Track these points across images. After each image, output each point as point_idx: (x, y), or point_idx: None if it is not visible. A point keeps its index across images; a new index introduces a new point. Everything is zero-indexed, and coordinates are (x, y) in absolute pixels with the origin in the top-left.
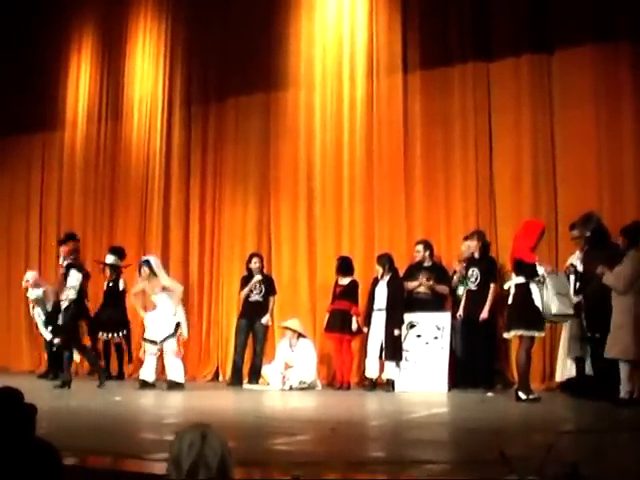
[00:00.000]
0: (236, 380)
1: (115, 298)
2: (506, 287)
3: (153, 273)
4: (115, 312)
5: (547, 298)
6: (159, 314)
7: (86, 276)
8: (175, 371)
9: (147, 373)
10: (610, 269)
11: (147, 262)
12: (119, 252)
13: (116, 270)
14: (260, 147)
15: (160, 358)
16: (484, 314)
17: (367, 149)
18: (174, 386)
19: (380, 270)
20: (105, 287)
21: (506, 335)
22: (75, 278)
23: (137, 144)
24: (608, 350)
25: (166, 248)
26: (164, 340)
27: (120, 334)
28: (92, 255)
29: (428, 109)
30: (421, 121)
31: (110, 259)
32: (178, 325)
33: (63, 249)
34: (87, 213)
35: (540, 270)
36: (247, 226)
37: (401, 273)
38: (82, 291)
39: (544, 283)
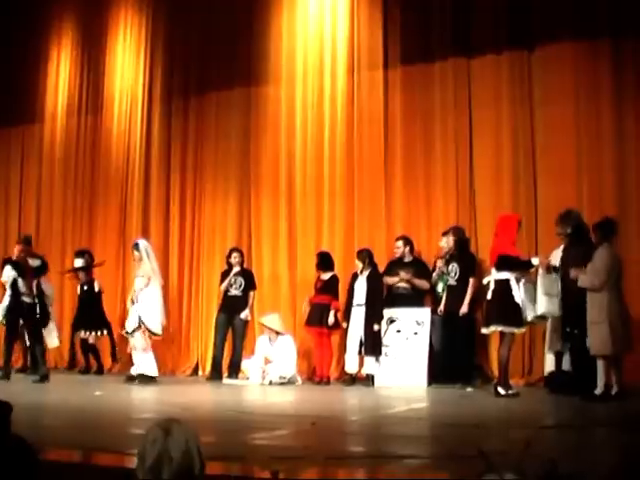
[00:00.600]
0: (215, 375)
1: (92, 300)
2: (485, 282)
3: (141, 257)
4: (94, 313)
5: (530, 298)
6: (136, 304)
7: (38, 271)
8: (144, 365)
9: (132, 367)
10: (584, 270)
11: (136, 245)
12: (85, 253)
13: (87, 271)
14: (241, 142)
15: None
16: (464, 308)
17: (348, 144)
18: (145, 380)
19: (360, 265)
20: (79, 290)
21: (485, 331)
22: (6, 275)
23: (117, 138)
24: (589, 346)
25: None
26: (131, 333)
27: (99, 333)
28: (71, 248)
29: (409, 105)
30: (401, 116)
31: (78, 262)
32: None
33: (17, 247)
34: (67, 207)
35: (535, 261)
36: (228, 221)
37: (381, 268)
38: (17, 288)
39: (535, 280)
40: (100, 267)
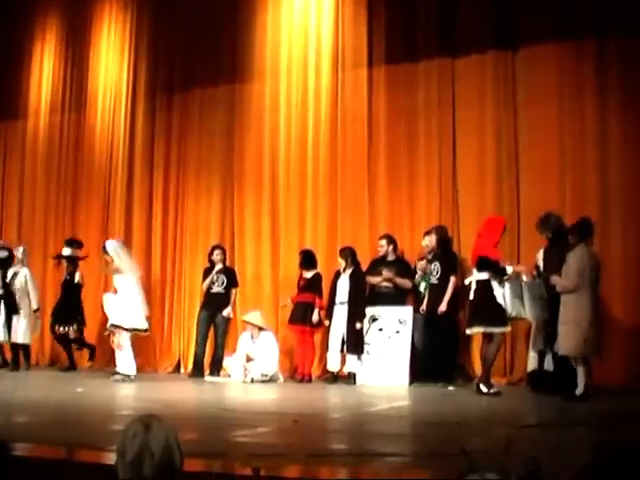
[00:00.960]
0: (197, 372)
1: (70, 290)
2: (467, 282)
3: (112, 258)
4: (69, 305)
5: (515, 294)
6: (115, 299)
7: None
8: (120, 363)
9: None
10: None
11: (104, 247)
12: (75, 243)
13: (73, 262)
14: (225, 139)
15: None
16: (442, 306)
17: (331, 142)
18: (120, 378)
19: (342, 263)
20: (62, 280)
21: (468, 331)
22: None
23: (100, 134)
24: (559, 347)
25: (128, 239)
26: (113, 329)
27: (71, 327)
28: (54, 246)
29: (393, 103)
30: (385, 115)
31: (67, 251)
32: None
33: None
34: (49, 203)
35: (509, 269)
36: (211, 218)
37: (364, 267)
38: None
39: (507, 283)
40: (83, 261)
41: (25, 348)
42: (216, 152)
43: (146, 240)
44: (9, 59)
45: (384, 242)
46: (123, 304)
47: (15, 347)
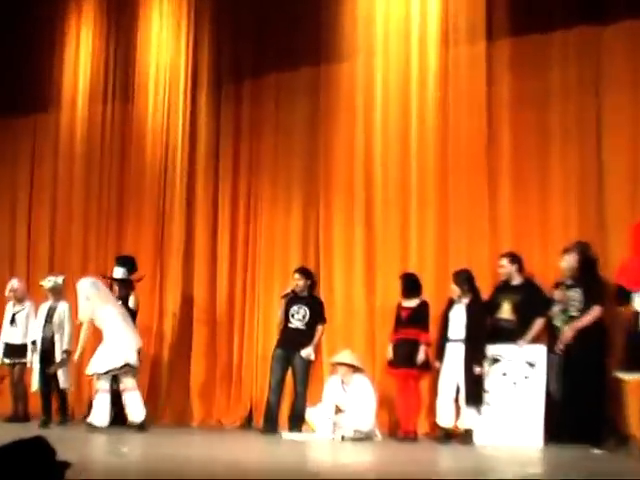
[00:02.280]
0: (270, 426)
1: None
2: (637, 308)
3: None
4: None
5: None
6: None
7: None
8: (95, 411)
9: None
10: None
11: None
12: (129, 263)
13: (126, 286)
14: (306, 135)
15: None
16: (568, 333)
17: (441, 138)
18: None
19: (457, 290)
20: None
21: (623, 375)
22: None
23: (152, 131)
24: None
25: (189, 261)
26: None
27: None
28: (95, 267)
29: (518, 87)
30: (509, 102)
31: (118, 272)
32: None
33: None
34: (89, 215)
35: None
36: (290, 235)
37: (485, 295)
38: None
39: None
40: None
41: (62, 395)
42: (296, 152)
43: (210, 262)
44: (38, 38)
45: (505, 261)
46: (102, 346)
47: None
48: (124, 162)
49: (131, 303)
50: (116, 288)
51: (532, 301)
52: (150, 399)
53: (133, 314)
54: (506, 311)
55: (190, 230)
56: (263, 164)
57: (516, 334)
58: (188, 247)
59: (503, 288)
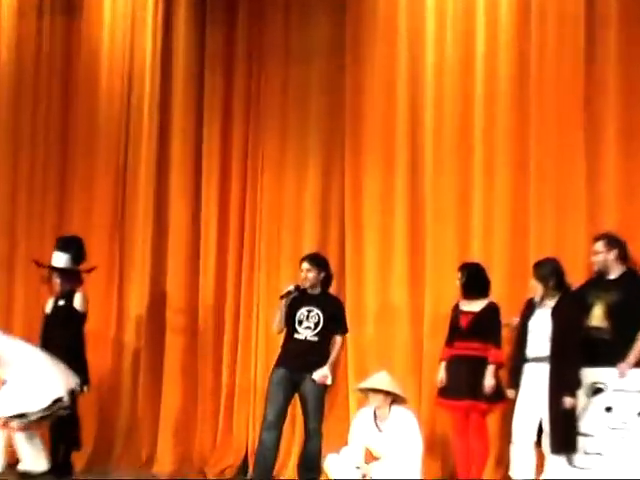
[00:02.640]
0: (264, 475)
1: (66, 323)
2: None
3: None
4: (66, 350)
5: None
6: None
7: None
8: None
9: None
10: None
11: None
12: (74, 247)
13: (70, 278)
14: (329, 71)
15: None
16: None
17: (519, 68)
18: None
19: (539, 289)
20: (51, 306)
21: None
22: None
23: (109, 57)
24: None
25: (160, 245)
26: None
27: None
28: (25, 253)
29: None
30: (616, 19)
31: (60, 260)
32: None
33: None
34: (17, 179)
35: None
36: (304, 207)
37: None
38: None
39: None
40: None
41: None
42: (313, 90)
43: (191, 246)
44: None
45: (600, 245)
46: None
47: None
48: (68, 102)
49: (77, 303)
50: (56, 281)
51: (634, 303)
52: (101, 438)
53: (80, 318)
54: (597, 317)
55: (162, 202)
56: (266, 106)
57: (614, 350)
58: (159, 226)
59: (596, 283)
